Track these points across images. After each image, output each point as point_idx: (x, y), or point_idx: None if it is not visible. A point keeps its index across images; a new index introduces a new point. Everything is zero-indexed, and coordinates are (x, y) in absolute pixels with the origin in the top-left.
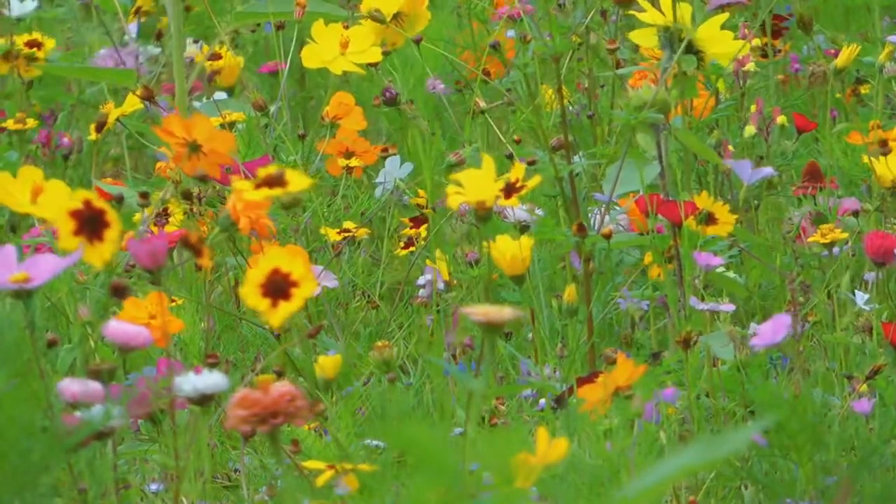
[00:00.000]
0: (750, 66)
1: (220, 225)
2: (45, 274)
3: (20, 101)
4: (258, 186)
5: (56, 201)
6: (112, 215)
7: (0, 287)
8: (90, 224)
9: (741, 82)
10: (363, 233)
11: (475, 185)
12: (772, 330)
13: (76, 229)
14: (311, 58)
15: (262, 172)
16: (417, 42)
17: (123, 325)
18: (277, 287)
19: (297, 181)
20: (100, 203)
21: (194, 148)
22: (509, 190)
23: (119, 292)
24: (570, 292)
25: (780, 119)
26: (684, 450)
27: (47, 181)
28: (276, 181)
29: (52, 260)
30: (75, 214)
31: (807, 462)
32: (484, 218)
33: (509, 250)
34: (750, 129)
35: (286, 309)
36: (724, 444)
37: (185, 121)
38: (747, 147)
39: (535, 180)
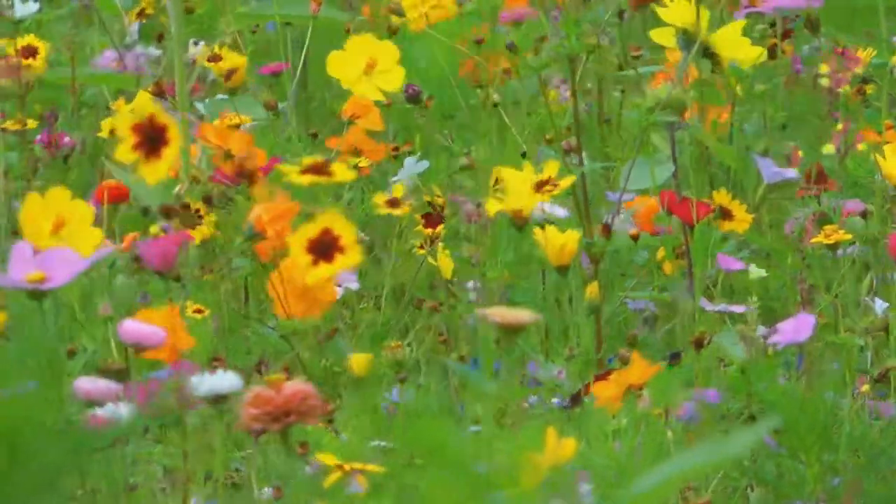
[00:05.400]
0: (845, 89)
1: (245, 234)
2: (64, 275)
3: (20, 102)
4: (304, 172)
5: (78, 234)
6: (174, 133)
7: (17, 286)
8: (150, 140)
9: (831, 100)
10: (408, 208)
11: (515, 189)
12: (794, 328)
13: (136, 143)
14: (336, 69)
15: (308, 159)
16: (511, 48)
17: (138, 325)
18: (324, 247)
19: (343, 172)
20: (163, 119)
21: (227, 156)
22: (539, 187)
23: (169, 214)
24: (592, 289)
25: (862, 145)
26: (691, 450)
27: (72, 203)
28: (321, 169)
29: (70, 258)
30: (138, 128)
31: (815, 462)
32: (520, 226)
33: (557, 240)
34: (829, 148)
35: (325, 270)
36: (730, 445)
37: (222, 131)
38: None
39: (568, 180)
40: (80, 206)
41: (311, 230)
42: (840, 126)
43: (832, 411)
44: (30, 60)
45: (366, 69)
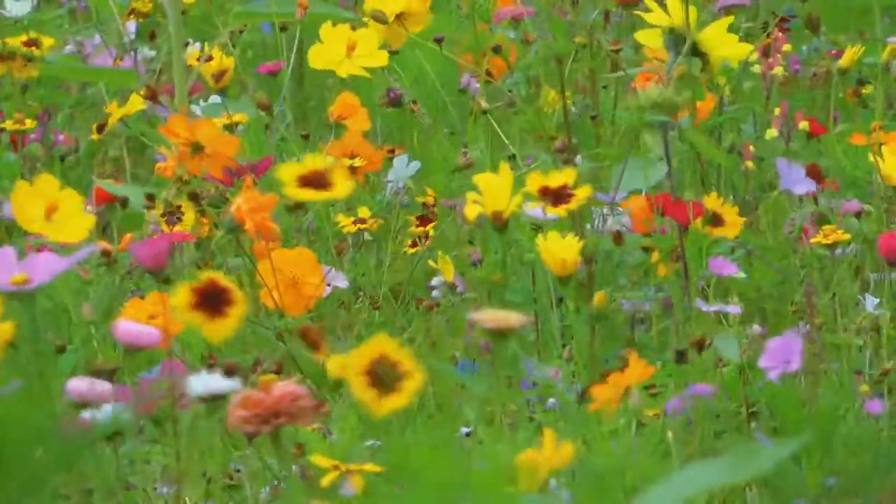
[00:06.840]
0: (778, 70)
1: (225, 227)
2: (45, 275)
3: (18, 101)
4: (302, 185)
5: (71, 219)
6: (237, 294)
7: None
8: (211, 300)
9: (768, 85)
10: (376, 224)
11: (492, 192)
12: (783, 352)
13: (196, 304)
14: (318, 59)
15: (306, 169)
16: (439, 41)
17: (131, 325)
18: (385, 377)
19: (343, 185)
20: (224, 282)
21: (197, 149)
22: (557, 197)
23: (231, 372)
24: (599, 297)
25: (803, 124)
26: (706, 465)
27: (63, 191)
28: (321, 182)
29: (51, 260)
30: (197, 291)
31: (815, 465)
32: (500, 228)
33: (558, 254)
34: (771, 132)
35: (394, 403)
36: (751, 462)
37: (190, 122)
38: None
39: (585, 191)
40: (69, 192)
41: (364, 359)
42: (778, 110)
43: (833, 411)
44: (32, 49)
45: (347, 52)
